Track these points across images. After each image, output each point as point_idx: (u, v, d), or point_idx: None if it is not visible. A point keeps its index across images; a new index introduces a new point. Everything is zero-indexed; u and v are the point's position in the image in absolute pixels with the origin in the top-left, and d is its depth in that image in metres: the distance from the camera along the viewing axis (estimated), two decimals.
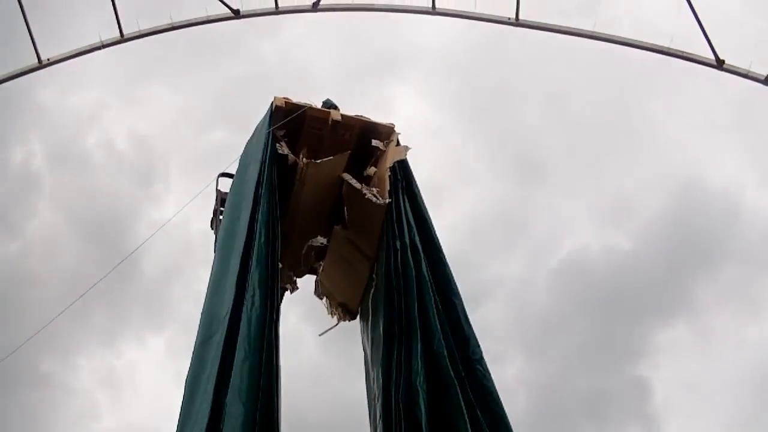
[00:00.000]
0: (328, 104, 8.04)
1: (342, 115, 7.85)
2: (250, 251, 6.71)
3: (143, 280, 24.85)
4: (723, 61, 13.22)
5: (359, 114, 8.03)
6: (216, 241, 8.13)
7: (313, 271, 8.69)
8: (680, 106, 23.76)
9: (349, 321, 8.49)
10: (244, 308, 6.30)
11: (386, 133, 7.94)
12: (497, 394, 6.41)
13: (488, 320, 24.70)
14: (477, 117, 27.41)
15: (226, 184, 8.69)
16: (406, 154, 7.76)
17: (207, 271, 7.54)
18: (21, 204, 23.96)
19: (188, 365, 6.44)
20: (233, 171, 8.50)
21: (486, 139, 27.50)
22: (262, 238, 6.77)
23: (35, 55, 14.05)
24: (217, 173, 8.75)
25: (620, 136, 25.48)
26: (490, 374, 6.47)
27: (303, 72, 24.30)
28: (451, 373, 6.17)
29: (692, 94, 21.91)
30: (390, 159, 7.68)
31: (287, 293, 8.53)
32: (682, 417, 24.49)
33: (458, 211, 26.26)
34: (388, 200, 7.37)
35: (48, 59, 14.10)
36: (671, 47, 13.56)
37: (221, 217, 8.22)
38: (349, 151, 7.85)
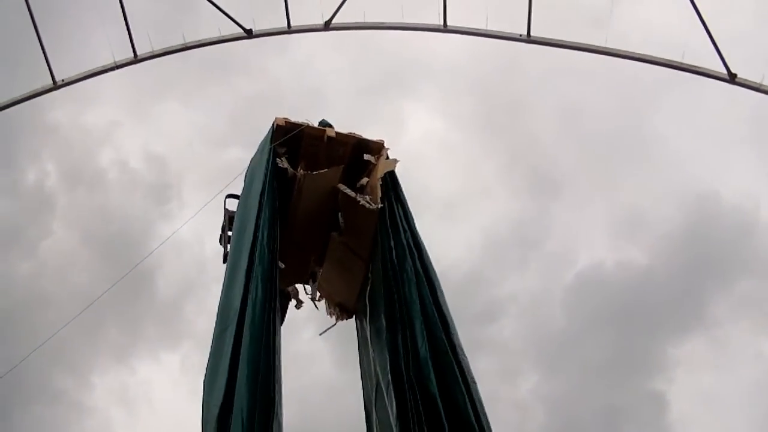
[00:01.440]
0: (324, 123, 8.84)
1: (336, 133, 8.69)
2: (255, 251, 7.57)
3: (157, 298, 24.96)
4: (735, 75, 13.21)
5: (352, 132, 8.84)
6: (225, 252, 9.09)
7: (313, 277, 9.41)
8: (693, 120, 23.74)
9: (346, 319, 9.35)
10: (249, 298, 7.17)
11: (376, 148, 8.73)
12: (468, 364, 7.21)
13: (504, 336, 24.68)
14: (491, 132, 27.49)
15: (233, 203, 9.38)
16: (395, 166, 8.57)
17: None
18: (35, 224, 24.10)
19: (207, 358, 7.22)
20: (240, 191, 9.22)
21: (500, 155, 27.57)
22: (265, 239, 7.60)
23: (49, 76, 14.18)
24: (231, 190, 9.46)
25: (634, 150, 25.46)
26: (463, 349, 7.28)
27: (316, 90, 24.43)
28: (448, 350, 7.02)
29: (705, 107, 21.88)
30: (381, 170, 8.50)
31: (294, 307, 9.41)
32: (698, 431, 24.35)
33: (473, 226, 26.30)
34: (380, 205, 8.23)
35: (62, 80, 14.23)
36: (683, 61, 13.56)
37: (230, 232, 9.05)
38: (343, 165, 8.65)
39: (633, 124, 24.97)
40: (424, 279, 7.58)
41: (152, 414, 25.60)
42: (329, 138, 8.63)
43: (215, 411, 6.45)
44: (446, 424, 6.47)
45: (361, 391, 8.71)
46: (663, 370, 24.94)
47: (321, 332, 9.60)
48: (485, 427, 6.60)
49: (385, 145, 8.80)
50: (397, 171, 8.65)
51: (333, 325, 9.51)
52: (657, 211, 25.43)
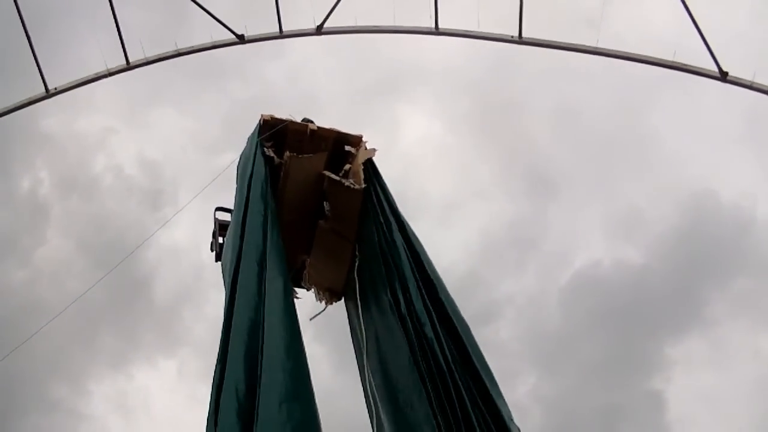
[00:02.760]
0: (307, 120, 9.48)
1: (318, 127, 9.29)
2: (245, 234, 8.07)
3: (154, 305, 24.94)
4: (726, 73, 13.21)
5: (333, 126, 9.45)
6: (218, 252, 9.66)
7: (302, 267, 9.90)
8: (689, 118, 23.75)
9: (336, 303, 9.83)
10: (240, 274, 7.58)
11: (356, 141, 9.31)
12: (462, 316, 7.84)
13: (501, 337, 24.68)
14: (487, 134, 27.49)
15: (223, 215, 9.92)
16: (374, 154, 9.16)
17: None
18: (29, 232, 24.06)
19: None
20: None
21: (496, 156, 27.58)
22: (255, 220, 8.19)
23: (42, 84, 14.18)
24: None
25: (630, 149, 25.50)
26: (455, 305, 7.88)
27: (310, 94, 24.43)
28: (448, 310, 7.63)
29: (701, 106, 21.91)
30: (361, 157, 9.11)
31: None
32: (697, 430, 24.38)
33: (470, 228, 26.32)
34: (364, 185, 8.83)
35: (55, 88, 14.23)
36: (675, 60, 13.56)
37: (221, 239, 9.60)
38: (327, 152, 9.25)
39: (629, 124, 25.02)
40: (410, 249, 8.18)
41: (150, 421, 25.62)
42: (312, 132, 9.21)
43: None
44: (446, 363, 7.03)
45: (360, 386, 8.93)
46: (661, 370, 24.99)
47: (311, 317, 9.89)
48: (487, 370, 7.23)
49: (363, 138, 9.38)
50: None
51: (323, 310, 9.89)
52: (653, 210, 25.48)
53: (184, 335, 24.55)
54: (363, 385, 8.52)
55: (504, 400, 7.13)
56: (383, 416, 7.84)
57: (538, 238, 26.79)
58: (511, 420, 6.93)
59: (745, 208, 24.67)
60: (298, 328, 7.39)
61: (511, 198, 27.27)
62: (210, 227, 10.07)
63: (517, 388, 23.85)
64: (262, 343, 6.88)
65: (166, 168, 26.25)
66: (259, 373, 6.58)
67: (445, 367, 7.00)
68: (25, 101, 14.08)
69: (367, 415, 8.47)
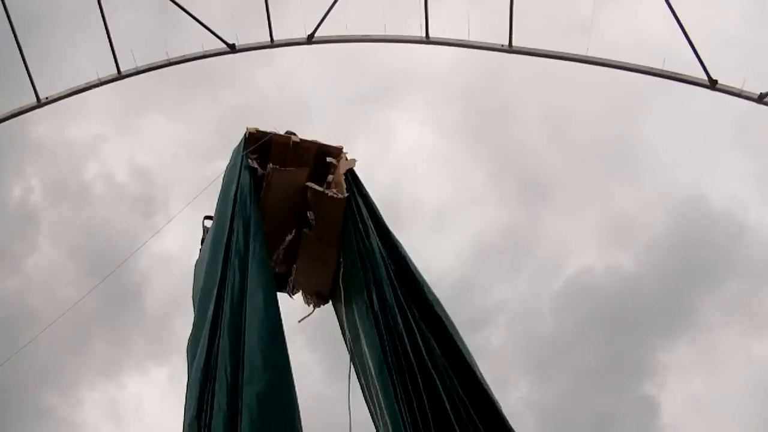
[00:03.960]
0: (290, 133, 9.84)
1: (301, 139, 9.68)
2: (230, 243, 8.49)
3: (146, 313, 24.90)
4: (716, 81, 13.26)
5: (315, 139, 9.85)
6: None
7: (288, 274, 10.24)
8: (680, 125, 23.81)
9: (323, 305, 10.15)
10: (227, 283, 7.98)
11: (336, 152, 9.73)
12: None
13: (493, 344, 24.70)
14: (479, 140, 27.54)
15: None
16: (355, 165, 9.59)
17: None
18: (20, 239, 23.99)
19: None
20: None
21: (489, 163, 27.64)
22: (240, 227, 8.60)
23: (33, 93, 14.16)
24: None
25: (621, 155, 25.57)
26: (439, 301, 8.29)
27: (302, 101, 24.45)
28: (436, 310, 8.07)
29: (691, 112, 21.96)
30: (343, 168, 9.54)
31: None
32: None
33: (463, 234, 26.35)
34: (347, 194, 9.22)
35: (46, 98, 14.23)
36: (664, 68, 13.61)
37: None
38: (309, 168, 9.63)
39: (620, 130, 25.10)
40: (387, 251, 8.68)
41: (142, 428, 25.57)
42: (294, 144, 9.62)
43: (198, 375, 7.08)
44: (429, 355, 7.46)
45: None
46: (653, 375, 25.03)
47: (299, 320, 10.23)
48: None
49: (343, 149, 9.81)
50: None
51: (311, 313, 10.23)
52: (645, 217, 25.55)
53: (175, 343, 24.47)
54: (360, 384, 8.80)
55: (487, 389, 7.54)
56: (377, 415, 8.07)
57: (531, 245, 26.88)
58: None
59: (735, 214, 24.79)
60: (282, 334, 7.62)
61: (504, 204, 27.35)
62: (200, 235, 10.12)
63: (510, 394, 23.87)
64: (244, 349, 7.25)
65: (157, 175, 26.23)
66: (241, 373, 6.99)
67: (413, 360, 7.33)
68: (16, 111, 14.07)
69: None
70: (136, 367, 25.99)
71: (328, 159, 9.73)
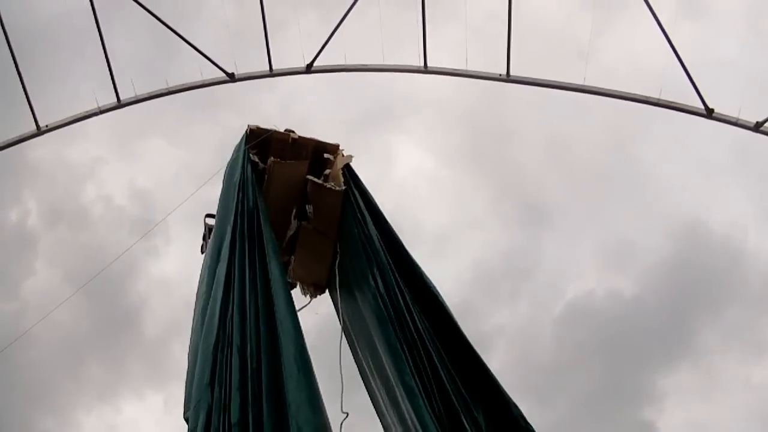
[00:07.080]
0: (288, 130, 10.18)
1: (299, 136, 10.02)
2: (235, 228, 8.76)
3: (144, 337, 24.84)
4: (712, 110, 13.34)
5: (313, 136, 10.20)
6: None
7: (287, 265, 10.47)
8: (678, 150, 23.82)
9: (320, 296, 10.46)
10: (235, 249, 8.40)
11: (333, 149, 10.02)
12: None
13: (493, 367, 24.57)
14: (480, 165, 27.59)
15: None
16: (351, 160, 9.90)
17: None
18: (17, 263, 23.93)
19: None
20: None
21: (489, 187, 27.66)
22: (245, 221, 8.83)
23: (32, 120, 14.23)
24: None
25: (620, 181, 25.58)
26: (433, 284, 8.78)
27: (303, 125, 24.35)
28: (432, 290, 8.56)
29: (690, 137, 21.95)
30: (340, 163, 9.86)
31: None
32: None
33: (463, 259, 26.32)
34: (344, 187, 9.58)
35: (46, 125, 14.31)
36: (661, 97, 13.69)
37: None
38: (308, 160, 9.95)
39: (618, 156, 25.14)
40: (384, 238, 9.00)
41: None
42: (293, 140, 9.96)
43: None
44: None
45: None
46: (653, 400, 24.93)
47: (298, 309, 10.55)
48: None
49: (340, 146, 10.11)
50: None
51: (308, 303, 10.52)
52: (645, 241, 25.51)
53: (173, 368, 24.41)
54: (358, 364, 9.21)
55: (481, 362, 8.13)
56: (376, 391, 8.48)
57: (531, 269, 26.84)
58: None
59: (735, 238, 24.79)
60: (299, 322, 7.92)
61: (504, 229, 27.33)
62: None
63: None
64: (258, 342, 7.51)
65: (156, 198, 26.20)
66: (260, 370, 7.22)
67: (416, 336, 7.88)
68: (16, 138, 14.15)
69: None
70: (133, 391, 25.90)
71: (326, 155, 10.04)
